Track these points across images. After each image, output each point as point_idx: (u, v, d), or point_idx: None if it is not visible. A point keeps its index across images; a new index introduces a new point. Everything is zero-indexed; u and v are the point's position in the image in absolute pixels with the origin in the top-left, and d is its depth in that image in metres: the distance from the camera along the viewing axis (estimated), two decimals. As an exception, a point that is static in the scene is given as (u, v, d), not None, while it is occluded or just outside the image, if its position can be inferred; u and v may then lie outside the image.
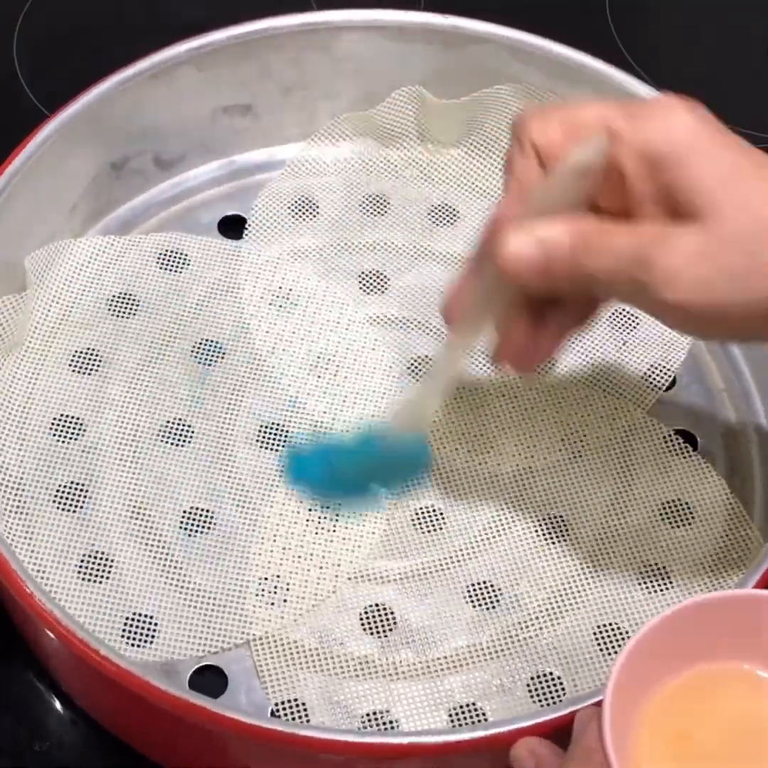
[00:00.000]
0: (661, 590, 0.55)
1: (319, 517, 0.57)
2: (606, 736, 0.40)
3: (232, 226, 0.67)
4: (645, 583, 0.56)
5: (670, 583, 0.56)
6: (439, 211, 0.68)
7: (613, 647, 0.54)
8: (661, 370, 0.62)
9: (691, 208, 0.42)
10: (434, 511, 0.58)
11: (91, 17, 0.78)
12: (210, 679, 0.53)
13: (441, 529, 0.57)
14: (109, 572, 0.55)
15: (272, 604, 0.54)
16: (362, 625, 0.54)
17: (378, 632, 0.54)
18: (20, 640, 0.56)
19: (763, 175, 0.42)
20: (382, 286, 0.65)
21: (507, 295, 0.46)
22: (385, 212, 0.68)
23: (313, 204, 0.68)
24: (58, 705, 0.56)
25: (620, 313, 0.64)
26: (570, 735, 0.45)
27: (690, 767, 0.42)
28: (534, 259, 0.44)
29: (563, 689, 0.53)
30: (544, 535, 0.57)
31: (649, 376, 0.62)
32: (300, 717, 0.52)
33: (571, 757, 0.42)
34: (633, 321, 0.64)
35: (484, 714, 0.52)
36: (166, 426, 0.60)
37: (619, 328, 0.64)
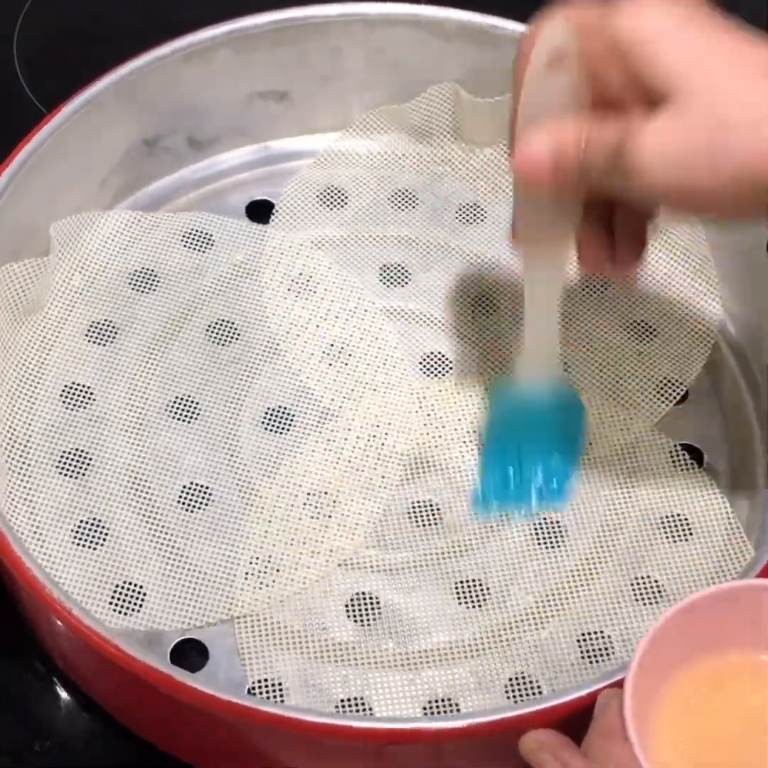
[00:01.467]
0: (652, 603, 0.55)
1: (317, 503, 0.57)
2: (627, 715, 0.40)
3: (260, 211, 0.67)
4: (636, 594, 0.55)
5: (661, 596, 0.55)
6: (467, 209, 0.68)
7: (595, 655, 0.53)
8: (673, 384, 0.61)
9: (664, 91, 0.43)
10: (431, 505, 0.58)
11: (91, 17, 0.78)
12: (191, 653, 0.54)
13: (436, 524, 0.57)
14: (103, 539, 0.56)
15: (260, 583, 0.55)
16: (347, 612, 0.54)
17: (362, 620, 0.54)
18: (20, 639, 0.57)
19: (725, 52, 0.44)
20: (403, 279, 0.65)
21: (557, 208, 0.49)
22: (413, 207, 0.68)
23: (343, 194, 0.68)
24: (58, 705, 0.57)
25: (638, 324, 0.64)
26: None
27: (708, 751, 0.43)
28: (541, 159, 0.46)
29: (541, 692, 0.52)
30: (539, 538, 0.57)
31: (662, 388, 0.61)
32: (276, 697, 0.52)
33: (591, 737, 0.43)
34: (651, 332, 0.63)
35: (459, 710, 0.52)
36: (175, 401, 0.60)
37: (636, 338, 0.63)
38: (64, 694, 0.57)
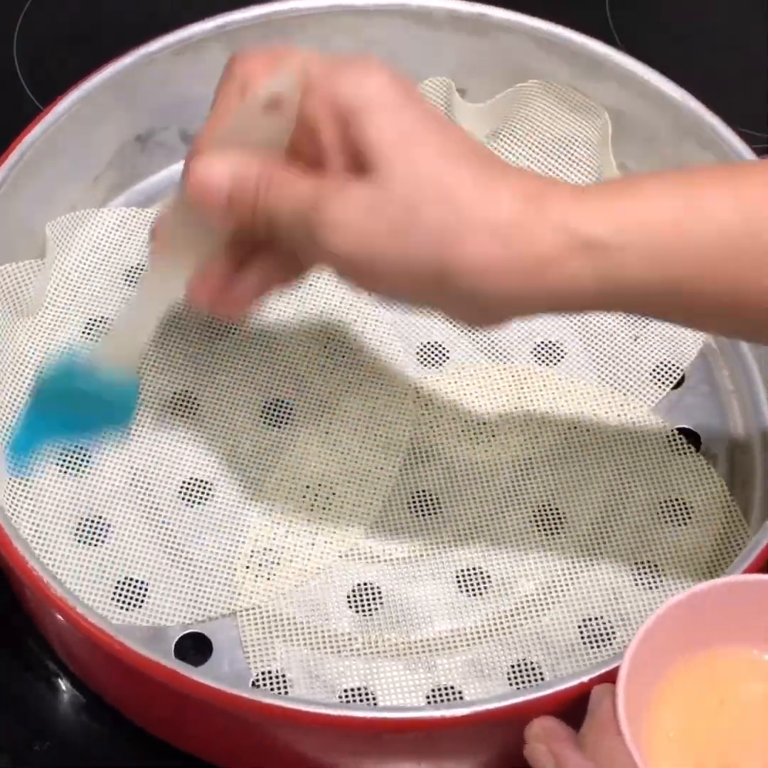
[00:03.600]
0: (652, 587, 0.55)
1: (316, 495, 0.57)
2: (620, 709, 0.41)
3: (255, 205, 0.67)
4: (636, 579, 0.56)
5: (661, 580, 0.55)
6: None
7: (596, 640, 0.54)
8: (670, 368, 0.62)
9: (369, 163, 0.43)
10: (431, 495, 0.58)
11: (90, 17, 0.78)
12: (195, 646, 0.54)
13: (436, 513, 0.58)
14: (104, 536, 0.56)
15: (261, 576, 0.55)
16: (349, 602, 0.55)
17: (364, 611, 0.55)
18: (20, 639, 0.57)
19: (434, 136, 0.43)
20: (398, 270, 0.65)
21: (206, 231, 0.48)
22: (407, 198, 0.68)
23: (336, 186, 0.68)
24: (58, 705, 0.57)
25: (634, 310, 0.64)
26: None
27: (702, 744, 0.43)
28: (219, 185, 0.45)
29: (543, 678, 0.53)
30: (538, 526, 0.57)
31: (658, 373, 0.62)
32: (280, 689, 0.52)
33: (586, 730, 0.43)
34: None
35: (462, 697, 0.52)
36: (173, 397, 0.60)
37: (632, 322, 0.63)
38: (64, 694, 0.57)
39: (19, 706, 0.57)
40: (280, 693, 0.52)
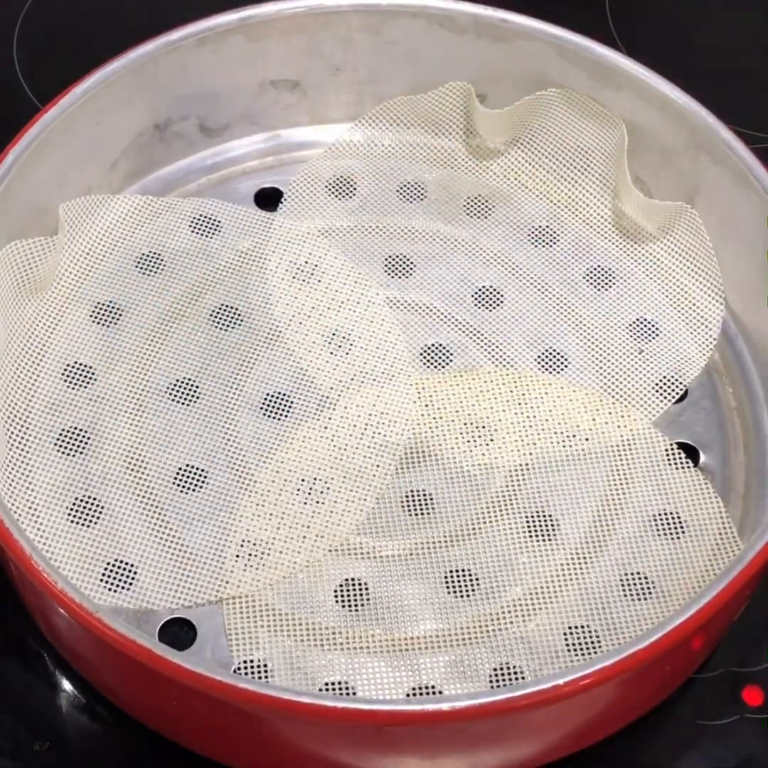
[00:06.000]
0: (640, 599, 0.55)
1: (310, 488, 0.57)
2: None
3: (269, 199, 0.68)
4: (624, 589, 0.55)
5: (650, 593, 0.55)
6: (475, 203, 0.68)
7: (581, 648, 0.53)
8: (673, 383, 0.62)
9: None
10: (425, 494, 0.58)
11: (91, 17, 0.78)
12: (180, 631, 0.54)
13: (429, 513, 0.58)
14: (97, 517, 0.56)
15: (250, 566, 0.55)
16: (336, 597, 0.55)
17: (350, 606, 0.55)
18: (20, 639, 0.57)
19: None
20: (408, 271, 0.65)
21: None
22: (422, 199, 0.68)
23: (351, 185, 0.68)
24: (58, 704, 0.57)
25: (641, 323, 0.64)
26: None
27: None
28: None
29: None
30: (531, 531, 0.57)
31: (661, 387, 0.61)
32: (261, 678, 0.52)
33: None
34: (654, 330, 0.63)
35: (442, 698, 0.52)
36: (175, 384, 0.61)
37: (639, 336, 0.63)
38: (65, 694, 0.57)
39: (19, 706, 0.56)
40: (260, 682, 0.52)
